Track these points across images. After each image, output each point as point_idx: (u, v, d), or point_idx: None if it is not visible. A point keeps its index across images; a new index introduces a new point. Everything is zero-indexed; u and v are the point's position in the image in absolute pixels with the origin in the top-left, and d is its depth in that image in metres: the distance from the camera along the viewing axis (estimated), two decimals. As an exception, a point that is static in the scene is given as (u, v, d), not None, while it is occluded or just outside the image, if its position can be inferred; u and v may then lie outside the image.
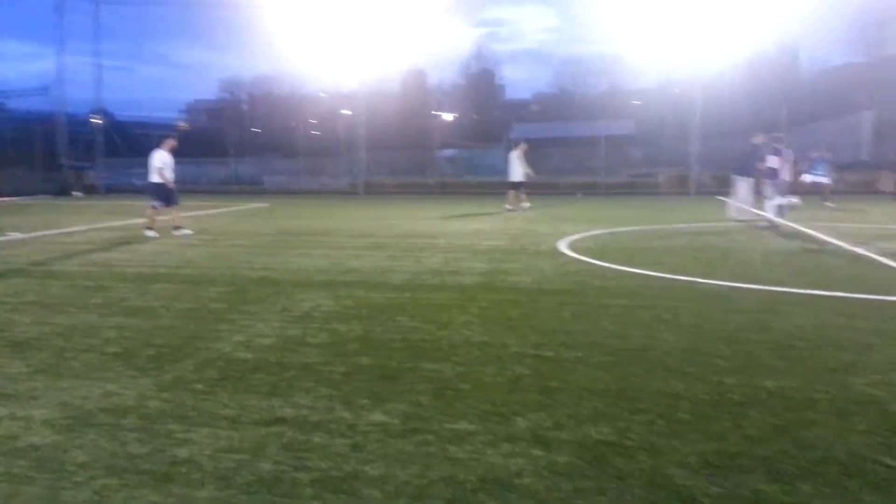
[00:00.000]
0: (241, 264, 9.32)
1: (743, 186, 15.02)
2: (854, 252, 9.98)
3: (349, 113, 42.94)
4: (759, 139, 15.01)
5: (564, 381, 4.30)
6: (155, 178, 13.49)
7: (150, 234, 12.93)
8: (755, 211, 14.81)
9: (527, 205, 19.51)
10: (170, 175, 13.52)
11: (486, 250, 10.68)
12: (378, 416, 3.70)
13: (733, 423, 3.59)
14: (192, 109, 63.92)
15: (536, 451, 3.26)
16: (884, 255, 9.58)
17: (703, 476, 3.00)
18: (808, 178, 20.20)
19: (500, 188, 30.33)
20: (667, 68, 38.05)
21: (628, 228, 14.13)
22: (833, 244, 10.94)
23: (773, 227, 13.91)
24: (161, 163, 13.49)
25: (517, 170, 19.74)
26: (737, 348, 4.95)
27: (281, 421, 3.65)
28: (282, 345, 5.15)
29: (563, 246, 11.06)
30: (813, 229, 13.05)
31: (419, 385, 4.20)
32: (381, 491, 2.89)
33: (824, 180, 20.31)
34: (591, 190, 29.05)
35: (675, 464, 3.13)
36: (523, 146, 20.07)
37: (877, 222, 14.12)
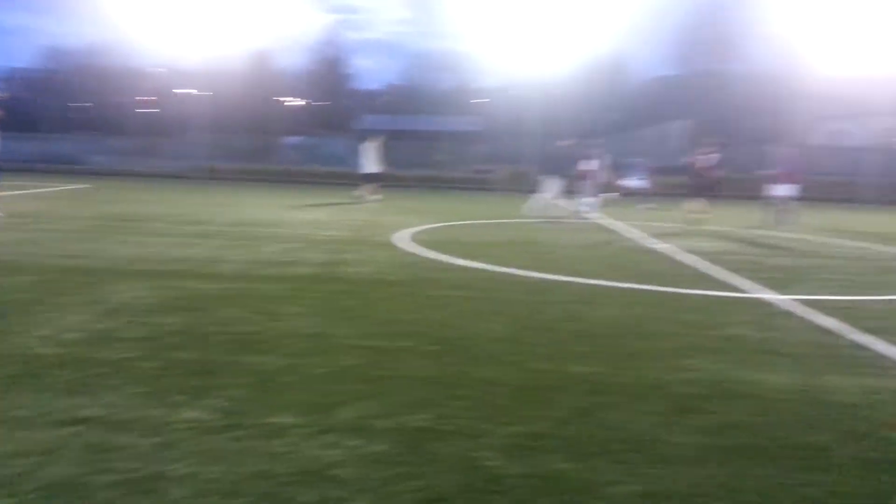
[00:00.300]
0: (54, 251, 8.56)
1: (550, 185, 15.91)
2: (661, 248, 11.00)
3: (190, 92, 40.62)
4: (566, 142, 16.25)
5: (391, 370, 4.38)
6: None
7: None
8: (560, 207, 15.86)
9: (378, 197, 19.44)
10: None
11: (326, 241, 10.59)
12: (193, 413, 3.57)
13: (542, 406, 3.86)
14: (10, 79, 57.80)
15: (355, 441, 3.31)
16: (685, 251, 10.65)
17: (511, 457, 3.20)
18: (628, 182, 21.95)
19: (346, 178, 30.14)
20: (511, 70, 39.61)
21: (466, 222, 14.60)
22: (643, 241, 11.99)
23: (588, 222, 15.12)
24: None
25: (371, 161, 19.64)
26: (551, 337, 5.31)
27: (83, 421, 3.41)
28: (93, 339, 4.81)
29: (403, 238, 11.21)
30: (628, 227, 14.20)
31: (241, 379, 4.11)
32: (189, 489, 2.80)
33: (642, 184, 22.18)
34: (435, 184, 29.64)
35: (486, 447, 3.31)
36: (380, 138, 20.05)
37: (683, 222, 15.64)
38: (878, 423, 3.76)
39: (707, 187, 15.11)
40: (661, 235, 12.87)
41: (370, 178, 19.68)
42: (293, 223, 13.07)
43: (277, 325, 5.39)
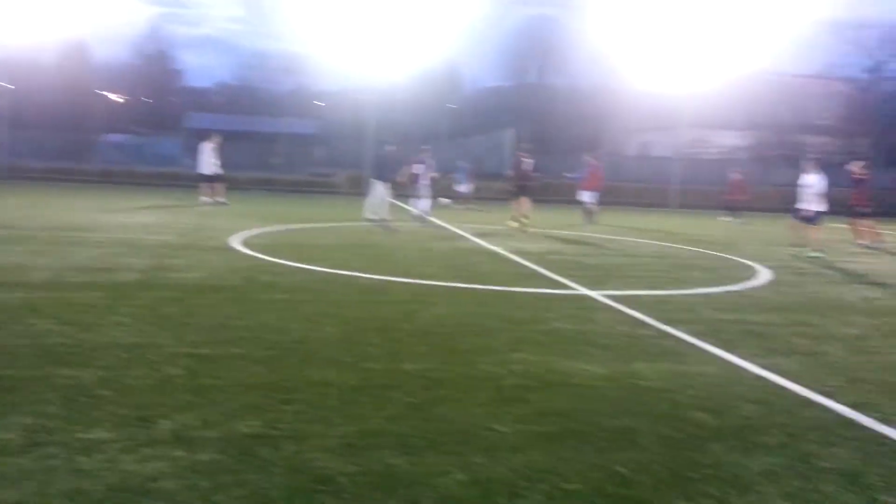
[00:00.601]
0: None
1: (379, 189, 15.95)
2: (491, 250, 11.52)
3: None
4: (392, 148, 16.45)
5: (219, 378, 4.24)
6: None
7: None
8: (386, 211, 15.79)
9: (223, 200, 18.99)
10: None
11: (151, 245, 9.97)
12: (-9, 433, 3.24)
13: (375, 404, 3.91)
14: None
15: (178, 452, 3.17)
16: (512, 252, 11.23)
17: (342, 457, 3.22)
18: (458, 187, 22.92)
19: (174, 179, 28.49)
20: (348, 74, 39.49)
21: (303, 225, 14.37)
22: (476, 243, 12.48)
23: (423, 225, 15.55)
24: None
25: (208, 162, 19.19)
26: (386, 336, 5.39)
27: None
28: None
29: (235, 242, 10.82)
30: (461, 230, 14.70)
31: (48, 394, 3.78)
32: (-16, 516, 2.54)
33: (463, 188, 23.27)
34: (271, 187, 28.83)
35: (318, 448, 3.30)
36: (217, 138, 19.58)
37: (511, 223, 16.44)
38: (680, 405, 4.20)
39: (529, 189, 16.32)
40: (491, 237, 13.45)
41: (209, 179, 19.25)
42: (114, 227, 12.16)
43: (92, 336, 5.01)
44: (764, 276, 9.96)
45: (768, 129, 40.54)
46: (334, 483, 2.96)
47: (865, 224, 14.92)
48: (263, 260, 9.12)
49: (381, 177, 15.90)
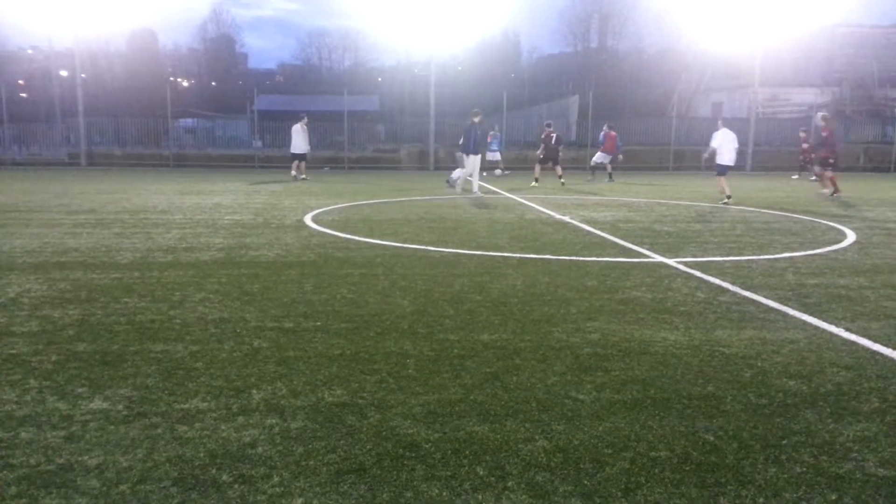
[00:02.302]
0: (-76, 248, 7.92)
1: (470, 162, 16.05)
2: (560, 219, 11.40)
3: (66, 74, 38.06)
4: (478, 119, 16.17)
5: (303, 350, 4.37)
6: None
7: None
8: (476, 185, 16.27)
9: (303, 176, 21.16)
10: None
11: (228, 225, 10.30)
12: (98, 404, 3.45)
13: (453, 374, 3.97)
14: None
15: (271, 420, 3.30)
16: (583, 221, 11.09)
17: (425, 424, 3.29)
18: (488, 155, 23.60)
19: (244, 161, 29.26)
20: (406, 48, 39.43)
21: (370, 202, 14.55)
22: (543, 213, 12.37)
23: (491, 197, 15.54)
24: None
25: (298, 142, 21.22)
26: (459, 308, 5.44)
27: (-23, 420, 3.23)
28: (-21, 336, 4.52)
29: (307, 219, 11.07)
30: (527, 201, 14.59)
31: (146, 368, 3.99)
32: (99, 479, 2.72)
33: (497, 156, 24.46)
34: (337, 164, 29.25)
35: (401, 415, 3.38)
36: (305, 119, 21.54)
37: (579, 193, 16.24)
38: (767, 372, 4.10)
39: (557, 157, 20.01)
40: (559, 207, 13.30)
41: (297, 158, 21.38)
42: (190, 208, 12.61)
43: (182, 312, 5.24)
44: (849, 237, 9.53)
45: (848, 85, 38.39)
46: (420, 449, 3.04)
47: (829, 175, 16.32)
48: (336, 236, 9.30)
49: (470, 149, 15.70)
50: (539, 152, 20.47)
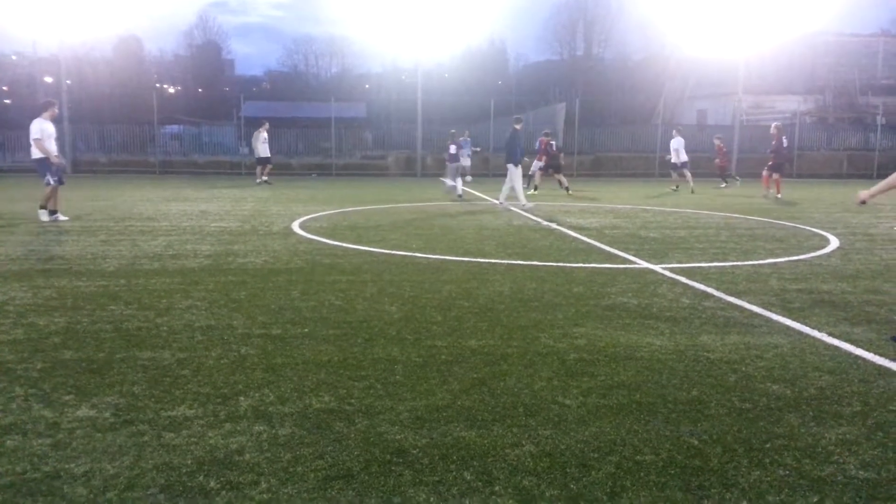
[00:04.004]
0: None
1: (515, 173, 14.77)
2: (547, 226, 11.46)
3: (50, 80, 37.79)
4: (519, 126, 15.18)
5: (290, 356, 4.38)
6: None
7: None
8: (522, 195, 14.96)
9: (265, 178, 22.27)
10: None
11: (215, 232, 10.28)
12: (85, 412, 3.44)
13: (440, 380, 3.99)
14: None
15: (258, 427, 3.30)
16: (570, 228, 11.15)
17: (413, 430, 3.30)
18: (461, 160, 23.84)
19: (230, 168, 29.17)
20: (393, 55, 39.52)
21: (358, 208, 14.55)
22: (531, 219, 12.43)
23: (476, 203, 15.50)
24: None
25: (262, 147, 22.37)
26: (447, 314, 5.46)
27: (-38, 428, 3.21)
28: (-37, 345, 4.49)
29: (295, 226, 11.06)
30: (513, 207, 14.65)
31: (133, 375, 3.98)
32: (86, 487, 2.71)
33: (467, 161, 24.25)
34: (324, 171, 29.23)
35: (388, 421, 3.39)
36: (266, 126, 22.70)
37: (565, 200, 16.33)
38: (751, 376, 4.15)
39: (558, 164, 19.88)
40: (547, 214, 13.37)
41: (262, 162, 22.65)
42: (178, 216, 12.56)
43: (169, 319, 5.22)
44: (832, 243, 9.66)
45: (830, 92, 38.89)
46: (408, 455, 3.05)
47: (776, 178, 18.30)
48: (323, 243, 9.30)
49: (517, 159, 14.69)
50: (539, 160, 20.08)
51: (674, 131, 21.77)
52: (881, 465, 3.01)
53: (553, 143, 20.11)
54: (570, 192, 19.15)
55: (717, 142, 23.17)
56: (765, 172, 18.72)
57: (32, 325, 5.00)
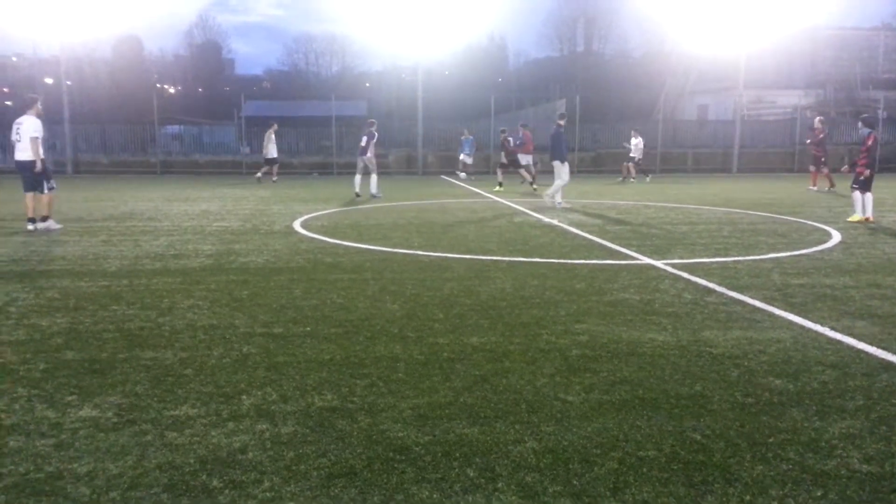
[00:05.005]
0: None
1: (561, 170, 14.26)
2: (549, 223, 11.45)
3: (51, 81, 37.85)
4: (563, 122, 14.80)
5: (292, 355, 4.38)
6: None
7: None
8: (560, 195, 14.41)
9: (275, 179, 22.86)
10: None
11: (216, 231, 10.28)
12: (87, 412, 3.45)
13: (443, 377, 3.99)
14: None
15: (261, 426, 3.31)
16: (572, 224, 11.14)
17: (415, 427, 3.30)
18: (463, 157, 24.52)
19: (231, 167, 29.17)
20: (393, 53, 39.49)
21: (359, 207, 14.55)
22: (533, 217, 12.42)
23: (478, 201, 15.48)
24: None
25: (270, 147, 22.66)
26: (449, 311, 5.46)
27: (-35, 429, 3.22)
28: (-34, 346, 4.49)
29: (296, 225, 11.06)
30: (515, 204, 14.64)
31: (136, 375, 3.98)
32: (89, 487, 2.72)
33: (468, 160, 24.98)
34: (325, 170, 29.22)
35: (391, 419, 3.39)
36: (275, 126, 23.00)
37: (569, 197, 16.30)
38: (754, 371, 4.15)
39: (517, 161, 19.65)
40: (546, 210, 13.36)
41: (269, 162, 22.94)
42: (180, 215, 12.57)
43: (171, 319, 5.23)
44: (834, 238, 9.64)
45: (831, 87, 38.79)
46: (411, 452, 3.05)
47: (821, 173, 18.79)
48: (325, 241, 9.30)
49: (563, 156, 14.24)
50: (503, 158, 20.57)
51: (632, 131, 24.31)
52: (885, 459, 3.00)
53: (511, 139, 20.12)
54: (536, 187, 18.83)
55: (817, 122, 20.55)
56: (812, 168, 19.40)
57: (35, 325, 5.01)
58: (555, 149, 14.44)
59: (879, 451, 3.08)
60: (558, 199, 14.22)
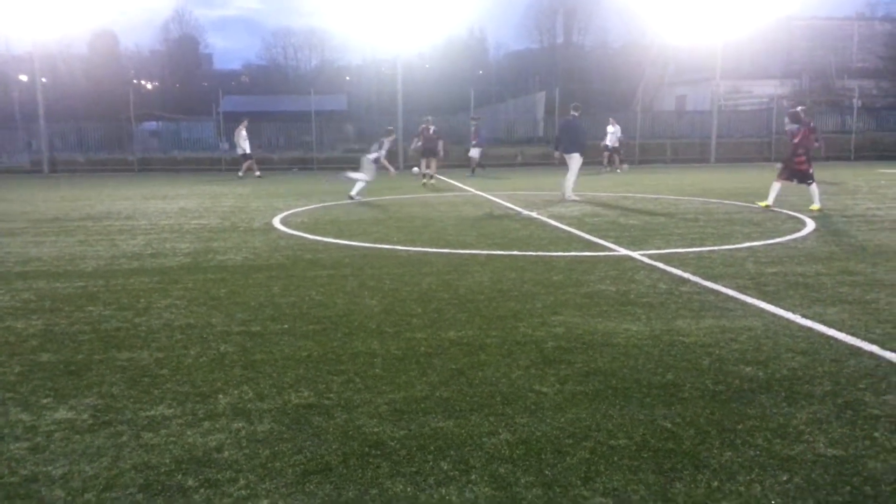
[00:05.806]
0: None
1: (576, 162, 14.01)
2: (528, 215, 11.51)
3: (25, 79, 37.28)
4: (577, 113, 14.44)
5: (269, 353, 4.39)
6: None
7: None
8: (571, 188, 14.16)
9: (258, 173, 23.07)
10: None
11: (194, 229, 10.22)
12: (63, 414, 3.44)
13: (419, 372, 4.02)
14: None
15: (237, 424, 3.32)
16: (551, 217, 11.21)
17: (391, 422, 3.34)
18: (471, 152, 24.29)
19: (210, 164, 28.93)
20: (372, 46, 39.33)
21: (340, 202, 14.52)
22: (511, 209, 12.47)
23: (457, 195, 15.50)
24: None
25: (243, 143, 22.75)
26: (427, 306, 5.49)
27: (-63, 434, 3.20)
28: (-62, 350, 4.46)
29: (276, 222, 11.02)
30: (497, 197, 14.69)
31: (111, 376, 3.98)
32: (64, 489, 2.72)
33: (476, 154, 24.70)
34: (305, 165, 29.08)
35: (367, 415, 3.42)
36: (245, 122, 23.11)
37: (548, 190, 16.39)
38: (725, 359, 4.22)
39: (434, 151, 19.89)
40: (528, 203, 13.42)
41: (245, 157, 23.03)
42: (158, 214, 12.47)
43: (148, 319, 5.21)
44: (808, 226, 9.79)
45: (807, 76, 39.23)
46: (386, 447, 3.08)
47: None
48: (304, 238, 9.29)
49: (575, 148, 13.73)
50: (415, 146, 20.52)
51: (610, 119, 24.73)
52: (849, 443, 3.08)
53: (431, 128, 20.20)
54: (426, 183, 18.80)
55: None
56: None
57: (10, 328, 4.97)
58: (571, 140, 13.93)
59: (844, 434, 3.16)
60: (569, 192, 13.96)
